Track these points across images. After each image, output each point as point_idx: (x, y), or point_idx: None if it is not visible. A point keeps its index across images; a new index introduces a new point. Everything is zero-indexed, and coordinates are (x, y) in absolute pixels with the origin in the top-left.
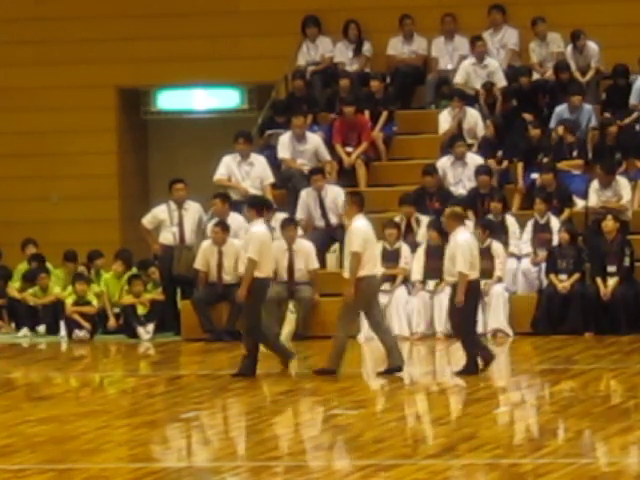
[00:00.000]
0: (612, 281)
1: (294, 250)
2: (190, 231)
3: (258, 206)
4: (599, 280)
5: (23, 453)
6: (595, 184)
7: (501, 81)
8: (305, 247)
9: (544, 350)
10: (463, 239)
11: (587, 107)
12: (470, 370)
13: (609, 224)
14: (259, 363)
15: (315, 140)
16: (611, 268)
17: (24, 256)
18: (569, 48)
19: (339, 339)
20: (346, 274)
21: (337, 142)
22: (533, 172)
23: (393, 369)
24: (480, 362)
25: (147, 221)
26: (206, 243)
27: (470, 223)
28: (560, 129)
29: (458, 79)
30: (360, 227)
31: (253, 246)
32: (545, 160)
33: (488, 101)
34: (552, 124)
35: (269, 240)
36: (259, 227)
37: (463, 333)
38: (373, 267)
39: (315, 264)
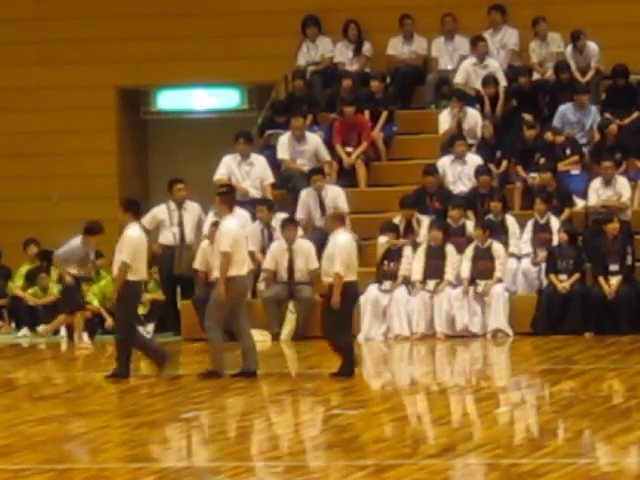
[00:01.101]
0: (615, 280)
1: (294, 250)
2: (190, 231)
3: (134, 209)
4: (602, 279)
5: (23, 453)
6: (595, 183)
7: (501, 81)
8: (305, 247)
9: (544, 350)
10: (342, 240)
11: (592, 108)
12: (346, 372)
13: (616, 227)
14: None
15: (315, 140)
16: (613, 267)
17: (25, 256)
18: (569, 48)
19: (214, 340)
20: (216, 273)
21: (337, 142)
22: (530, 172)
23: (247, 373)
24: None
25: (146, 222)
26: (205, 243)
27: (470, 223)
28: (548, 134)
29: (458, 79)
30: (230, 227)
31: (127, 249)
32: (542, 161)
33: (490, 94)
34: (555, 123)
35: (143, 244)
36: (134, 230)
37: (334, 335)
38: (242, 267)
39: (315, 264)
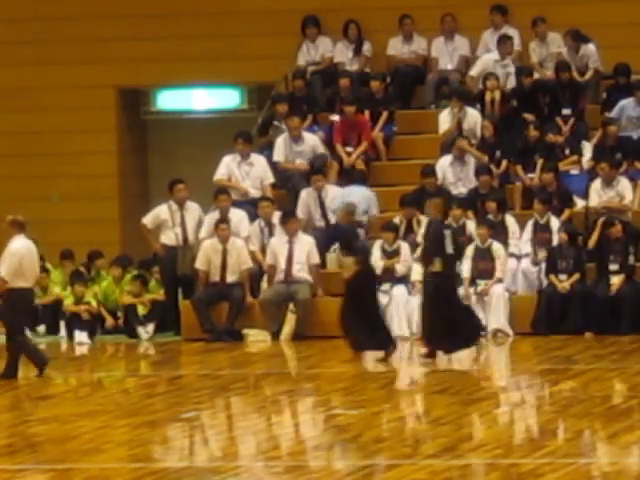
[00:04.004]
0: (617, 279)
1: (294, 243)
2: (192, 231)
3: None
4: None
5: (23, 453)
6: (597, 184)
7: (511, 82)
8: (305, 241)
9: (544, 350)
10: (15, 247)
11: None
12: (9, 375)
13: (619, 229)
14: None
15: (312, 140)
16: (613, 267)
17: None
18: (565, 49)
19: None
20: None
21: (337, 142)
22: (529, 173)
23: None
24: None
25: (148, 221)
26: (207, 242)
27: (472, 223)
28: (550, 136)
29: (473, 72)
30: None
31: None
32: (541, 161)
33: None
34: (614, 114)
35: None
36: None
37: (13, 338)
38: None
39: (317, 259)
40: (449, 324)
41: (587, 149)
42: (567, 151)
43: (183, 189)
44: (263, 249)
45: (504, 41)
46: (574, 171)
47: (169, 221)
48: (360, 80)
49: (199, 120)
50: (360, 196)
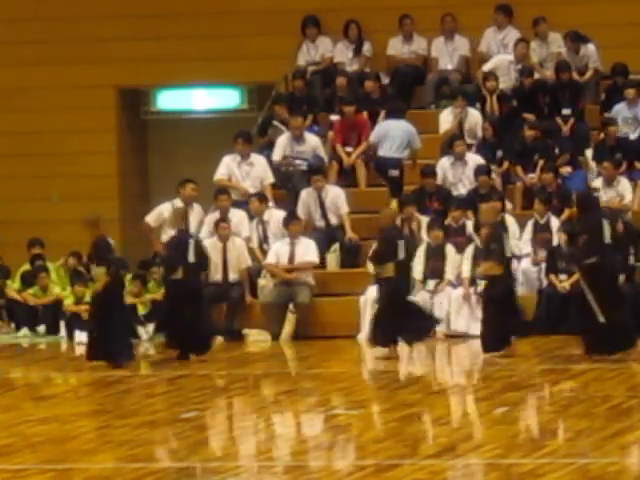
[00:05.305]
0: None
1: (296, 245)
2: (194, 231)
3: None
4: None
5: (23, 453)
6: (597, 184)
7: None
8: (307, 243)
9: (544, 350)
10: None
11: None
12: None
13: (620, 227)
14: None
15: (313, 140)
16: None
17: (27, 256)
18: (565, 49)
19: None
20: None
21: (337, 142)
22: (529, 173)
23: None
24: None
25: (151, 219)
26: (206, 242)
27: (471, 223)
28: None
29: (486, 68)
30: None
31: None
32: (541, 162)
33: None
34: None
35: None
36: None
37: None
38: None
39: (316, 259)
40: None
41: (588, 153)
42: (557, 150)
43: (194, 189)
44: (261, 245)
45: (521, 45)
46: (563, 169)
47: None
48: (359, 80)
49: (199, 120)
50: (400, 130)
